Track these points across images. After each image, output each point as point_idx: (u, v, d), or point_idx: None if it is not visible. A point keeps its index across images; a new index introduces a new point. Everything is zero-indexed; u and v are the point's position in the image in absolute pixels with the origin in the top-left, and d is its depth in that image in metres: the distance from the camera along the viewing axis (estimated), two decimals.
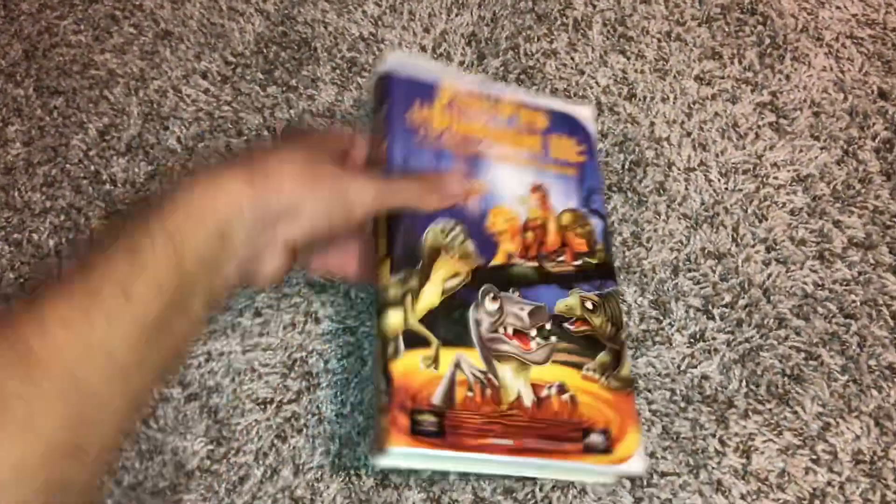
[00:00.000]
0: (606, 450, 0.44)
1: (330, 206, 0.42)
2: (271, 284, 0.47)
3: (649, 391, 0.52)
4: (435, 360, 0.43)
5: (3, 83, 0.64)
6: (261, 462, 0.51)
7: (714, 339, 0.53)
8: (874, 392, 0.52)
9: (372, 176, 0.46)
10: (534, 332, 0.46)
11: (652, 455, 0.50)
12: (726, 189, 0.58)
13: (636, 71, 0.63)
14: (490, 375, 0.44)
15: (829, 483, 0.49)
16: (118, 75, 0.64)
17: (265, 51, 0.65)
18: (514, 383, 0.44)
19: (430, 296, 0.45)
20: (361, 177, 0.45)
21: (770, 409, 0.52)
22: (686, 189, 0.58)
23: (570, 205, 0.51)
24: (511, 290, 0.47)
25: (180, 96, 0.63)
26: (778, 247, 0.56)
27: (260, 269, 0.42)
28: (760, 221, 0.57)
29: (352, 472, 0.50)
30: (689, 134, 0.60)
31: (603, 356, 0.46)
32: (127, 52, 0.65)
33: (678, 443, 0.51)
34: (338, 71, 0.64)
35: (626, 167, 0.59)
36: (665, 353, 0.53)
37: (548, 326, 0.46)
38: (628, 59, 0.64)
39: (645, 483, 0.50)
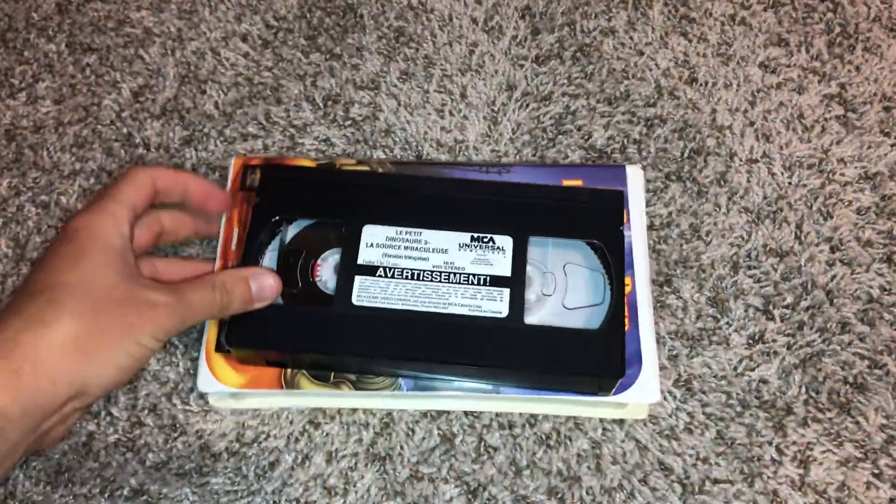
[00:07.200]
0: None
1: (121, 364, 0.38)
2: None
3: (704, 393, 0.49)
4: None
5: (35, 37, 0.61)
6: (291, 447, 0.48)
7: (774, 341, 0.51)
8: None
9: (164, 292, 0.40)
10: None
11: (705, 461, 0.48)
12: (790, 184, 0.55)
13: (698, 54, 0.60)
14: None
15: (891, 500, 0.47)
16: (154, 34, 0.61)
17: (308, 16, 0.62)
18: None
19: None
20: (153, 300, 0.39)
21: (831, 419, 0.49)
22: (748, 181, 0.55)
23: None
24: None
25: (219, 59, 0.60)
26: (843, 247, 0.53)
27: (46, 440, 0.40)
28: (825, 219, 0.54)
29: (387, 461, 0.48)
30: (752, 123, 0.57)
31: None
32: (164, 11, 0.62)
33: (733, 449, 0.48)
34: (384, 40, 0.61)
35: (687, 155, 0.56)
36: (722, 353, 0.50)
37: None
38: (690, 41, 0.60)
39: (697, 490, 0.47)
